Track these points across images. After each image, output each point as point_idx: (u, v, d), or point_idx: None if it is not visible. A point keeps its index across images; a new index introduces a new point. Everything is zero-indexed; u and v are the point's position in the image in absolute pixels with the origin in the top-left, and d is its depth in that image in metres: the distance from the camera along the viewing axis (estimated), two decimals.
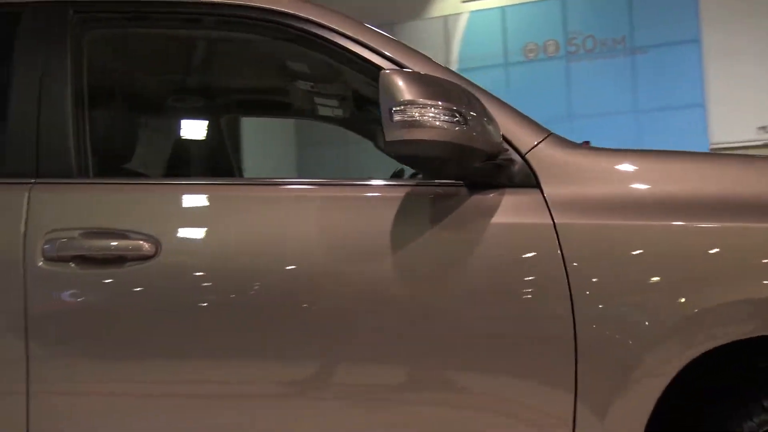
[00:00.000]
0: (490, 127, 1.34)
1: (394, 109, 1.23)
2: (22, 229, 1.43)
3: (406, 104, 1.23)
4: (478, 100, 1.36)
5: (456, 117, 1.27)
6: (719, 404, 1.38)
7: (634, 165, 1.48)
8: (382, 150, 1.83)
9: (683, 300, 1.30)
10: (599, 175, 1.44)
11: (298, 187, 1.53)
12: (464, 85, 1.43)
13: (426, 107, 1.24)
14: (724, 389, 1.39)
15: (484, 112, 1.34)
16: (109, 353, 1.42)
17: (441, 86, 1.31)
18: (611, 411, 1.31)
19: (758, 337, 1.32)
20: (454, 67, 12.38)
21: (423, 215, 1.41)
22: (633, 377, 1.31)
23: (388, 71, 1.26)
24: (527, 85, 11.31)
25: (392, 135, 1.23)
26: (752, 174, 1.45)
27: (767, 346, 1.37)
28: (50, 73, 1.57)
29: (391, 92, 1.24)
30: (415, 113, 1.23)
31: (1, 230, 1.45)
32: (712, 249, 1.33)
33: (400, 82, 1.25)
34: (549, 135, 1.50)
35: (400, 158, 1.29)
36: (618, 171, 1.46)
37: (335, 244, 1.41)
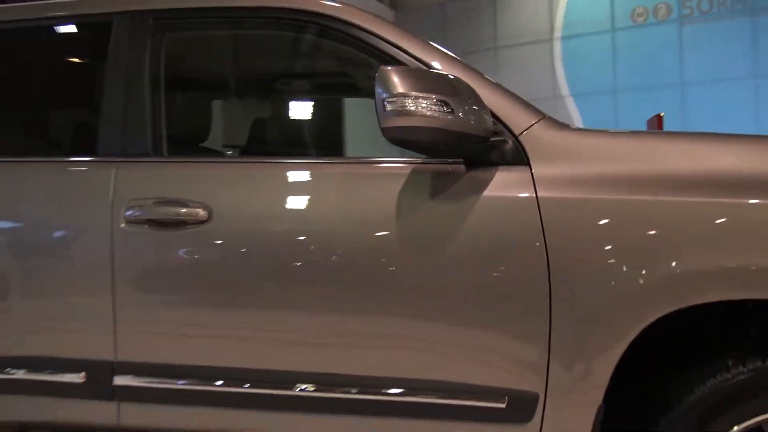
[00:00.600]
0: (481, 114, 1.53)
1: (387, 100, 1.46)
2: (110, 198, 1.81)
3: (399, 96, 1.46)
4: (471, 90, 1.55)
5: (443, 107, 1.47)
6: (685, 366, 1.52)
7: (617, 145, 1.62)
8: None
9: (644, 269, 1.46)
10: (583, 156, 1.59)
11: (322, 162, 1.81)
12: (466, 75, 1.63)
13: (417, 98, 1.46)
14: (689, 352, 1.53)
15: (474, 101, 1.53)
16: (175, 297, 1.78)
17: (434, 79, 1.51)
18: (578, 362, 1.49)
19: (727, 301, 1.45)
20: (557, 35, 12.03)
21: (425, 188, 1.64)
22: (599, 333, 1.48)
23: (385, 68, 1.49)
24: (635, 51, 10.86)
25: (385, 122, 1.47)
26: (731, 152, 1.55)
27: (736, 311, 1.49)
28: (133, 71, 1.93)
29: (386, 85, 1.47)
30: (407, 104, 1.45)
31: (95, 199, 1.83)
32: (676, 222, 1.46)
33: (395, 78, 1.47)
34: (542, 118, 1.66)
35: (394, 141, 1.52)
36: (601, 151, 1.60)
37: (348, 211, 1.68)
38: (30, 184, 1.94)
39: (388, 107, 1.46)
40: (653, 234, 1.47)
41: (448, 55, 1.77)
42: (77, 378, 1.80)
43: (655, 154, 1.57)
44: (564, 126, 1.67)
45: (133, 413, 1.80)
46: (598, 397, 1.49)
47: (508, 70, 11.41)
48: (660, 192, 1.48)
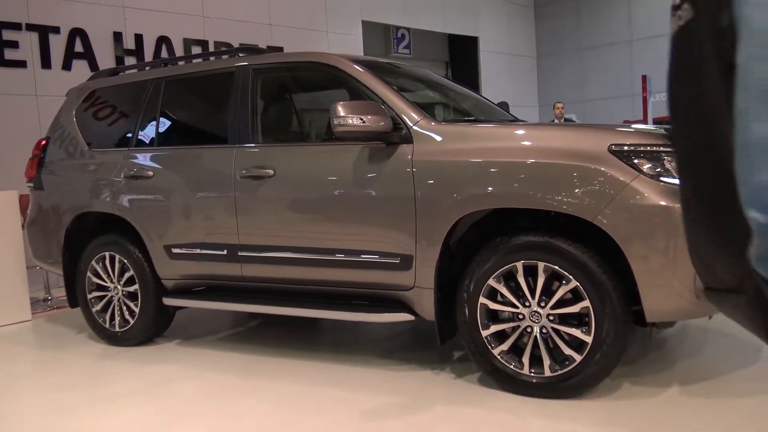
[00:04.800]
0: (381, 122, 3.15)
1: (334, 118, 3.14)
2: (233, 165, 3.72)
3: (340, 117, 3.13)
4: (380, 109, 3.17)
5: (362, 120, 3.12)
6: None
7: (458, 131, 3.15)
8: None
9: (455, 194, 3.02)
10: (439, 138, 3.15)
11: (327, 146, 3.56)
12: (389, 95, 3.27)
13: (346, 117, 3.12)
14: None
15: (379, 116, 3.14)
16: (262, 213, 3.66)
17: (360, 106, 3.15)
18: (427, 241, 3.11)
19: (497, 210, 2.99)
20: None
21: (365, 156, 3.31)
22: (435, 226, 3.08)
23: (335, 103, 3.15)
24: None
25: (334, 129, 3.16)
26: (519, 135, 3.02)
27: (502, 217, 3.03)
28: (243, 97, 3.81)
29: (336, 111, 3.14)
30: (342, 120, 3.12)
31: (227, 165, 3.75)
32: (474, 171, 2.98)
33: (339, 108, 3.14)
34: (424, 117, 3.23)
35: (339, 137, 3.21)
36: (449, 135, 3.14)
37: (328, 175, 3.41)
38: (203, 158, 3.94)
39: (335, 122, 3.15)
40: (462, 177, 3.01)
41: (387, 84, 3.39)
42: (223, 252, 3.80)
43: (482, 136, 3.08)
44: (436, 121, 3.23)
45: (247, 269, 3.76)
46: (434, 260, 3.10)
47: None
48: (473, 156, 3.00)
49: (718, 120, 0.65)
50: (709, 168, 0.70)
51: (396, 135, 3.24)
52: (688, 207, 0.79)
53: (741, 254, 0.65)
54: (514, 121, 3.97)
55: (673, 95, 0.78)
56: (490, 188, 2.96)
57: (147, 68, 4.57)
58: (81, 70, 6.97)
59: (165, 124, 4.23)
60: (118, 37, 7.45)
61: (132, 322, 4.21)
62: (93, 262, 4.34)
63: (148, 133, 4.23)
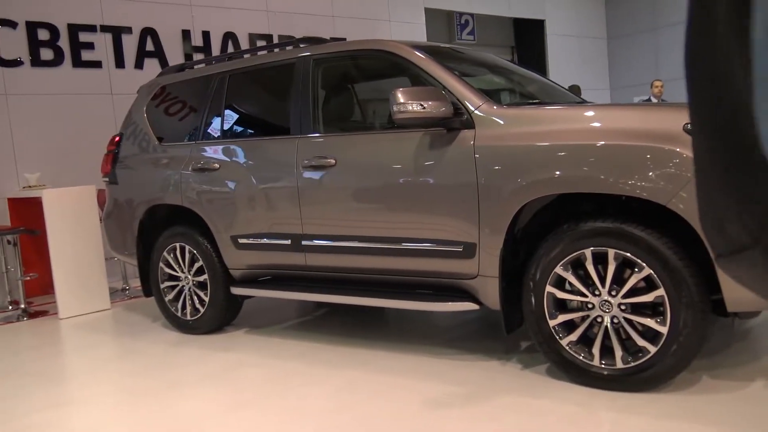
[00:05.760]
0: (442, 107, 3.08)
1: (394, 105, 3.10)
2: (296, 155, 3.74)
3: (400, 103, 3.08)
4: (440, 94, 3.11)
5: (422, 106, 3.07)
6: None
7: (522, 115, 3.05)
8: None
9: (519, 179, 2.92)
10: (501, 122, 3.06)
11: (388, 133, 3.52)
12: (450, 79, 3.20)
13: (406, 103, 3.07)
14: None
15: (439, 102, 3.08)
16: (325, 203, 3.66)
17: (420, 92, 3.10)
18: (491, 228, 3.03)
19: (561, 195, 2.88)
20: None
21: (425, 143, 3.25)
22: (500, 213, 2.99)
23: (395, 90, 3.11)
24: None
25: (394, 116, 3.12)
26: (586, 116, 2.90)
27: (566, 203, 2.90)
28: (304, 87, 3.82)
29: (395, 98, 3.10)
30: (407, 106, 3.08)
31: (290, 155, 3.77)
32: (540, 156, 2.88)
33: (398, 94, 3.09)
34: (486, 101, 3.14)
35: (399, 124, 3.17)
36: (513, 119, 3.04)
37: (389, 163, 3.37)
38: (267, 149, 3.98)
39: (395, 109, 3.10)
40: (527, 161, 2.92)
41: (447, 69, 3.32)
42: (287, 242, 3.83)
43: (547, 119, 2.97)
44: (497, 104, 3.13)
45: (311, 258, 3.78)
46: (498, 248, 3.02)
47: None
48: (538, 140, 2.90)
49: (733, 54, 0.57)
50: (724, 110, 0.62)
51: (457, 120, 3.17)
52: (701, 162, 0.70)
53: (761, 200, 0.59)
54: (582, 103, 3.82)
55: (688, 30, 0.68)
56: (557, 173, 2.85)
57: (212, 63, 4.66)
58: (152, 68, 7.20)
59: (230, 116, 4.30)
60: (186, 34, 7.64)
61: (202, 311, 4.32)
62: (165, 253, 4.48)
63: (214, 126, 4.31)
